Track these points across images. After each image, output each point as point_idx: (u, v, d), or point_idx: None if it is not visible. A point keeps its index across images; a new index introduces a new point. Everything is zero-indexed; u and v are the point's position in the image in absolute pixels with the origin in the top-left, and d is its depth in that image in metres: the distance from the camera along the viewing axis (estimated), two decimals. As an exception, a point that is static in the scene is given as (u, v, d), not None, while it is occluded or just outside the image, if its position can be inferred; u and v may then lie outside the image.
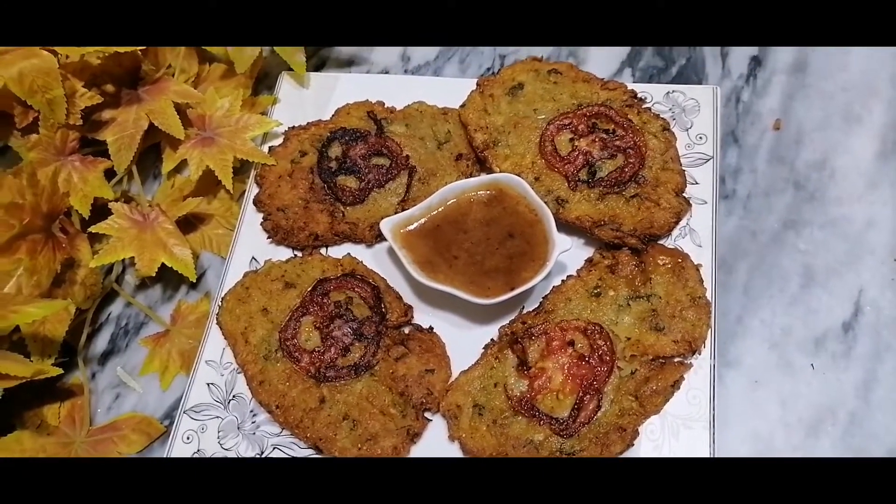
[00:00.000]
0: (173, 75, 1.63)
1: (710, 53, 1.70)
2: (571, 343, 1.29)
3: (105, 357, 1.51)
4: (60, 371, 1.36)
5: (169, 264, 1.43)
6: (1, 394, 1.25)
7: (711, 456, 1.20)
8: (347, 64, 1.80)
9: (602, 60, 1.70)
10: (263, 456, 1.29)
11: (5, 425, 1.39)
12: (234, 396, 1.35)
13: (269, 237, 1.50)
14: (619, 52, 1.72)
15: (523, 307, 1.38)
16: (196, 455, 1.29)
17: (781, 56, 1.67)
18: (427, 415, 1.31)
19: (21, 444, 1.36)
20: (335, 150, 1.55)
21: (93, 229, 1.45)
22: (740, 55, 1.68)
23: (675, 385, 1.26)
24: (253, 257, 1.49)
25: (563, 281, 1.38)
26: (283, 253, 1.49)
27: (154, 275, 1.43)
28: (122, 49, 1.48)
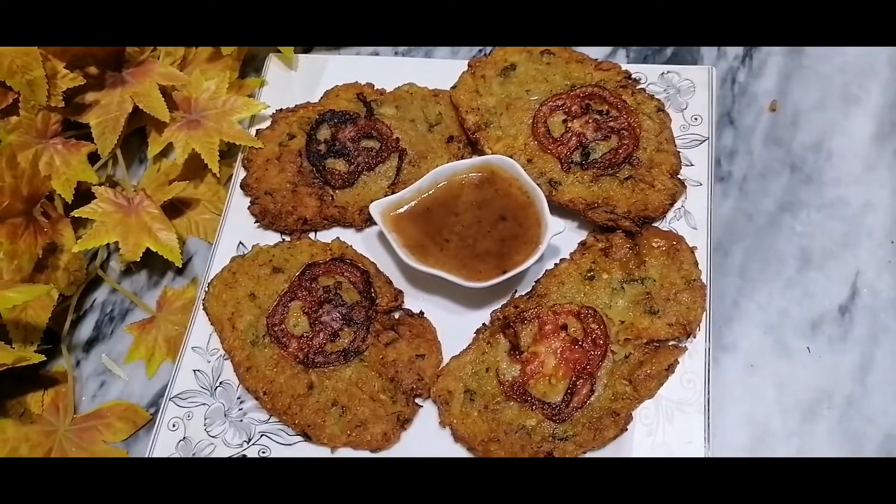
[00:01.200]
0: (158, 57, 1.60)
1: (705, 34, 1.67)
2: (564, 327, 1.27)
3: (90, 344, 1.48)
4: (43, 358, 1.34)
5: (154, 249, 1.40)
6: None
7: (706, 440, 1.19)
8: (336, 46, 1.76)
9: (596, 41, 1.67)
10: (251, 443, 1.27)
11: (-13, 414, 1.37)
12: (220, 383, 1.33)
13: (256, 222, 1.48)
14: (614, 33, 1.69)
15: (515, 291, 1.36)
16: (182, 442, 1.27)
17: (778, 37, 1.65)
18: (418, 401, 1.29)
19: (4, 433, 1.34)
20: (324, 133, 1.52)
21: (76, 213, 1.42)
22: (736, 36, 1.66)
23: (670, 369, 1.24)
24: (240, 242, 1.46)
25: (556, 264, 1.36)
26: (271, 237, 1.46)
27: (138, 260, 1.40)
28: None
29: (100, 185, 1.48)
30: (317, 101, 1.58)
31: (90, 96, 1.53)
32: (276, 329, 1.33)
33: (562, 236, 1.33)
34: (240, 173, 1.52)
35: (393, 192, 1.43)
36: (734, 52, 1.64)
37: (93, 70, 1.54)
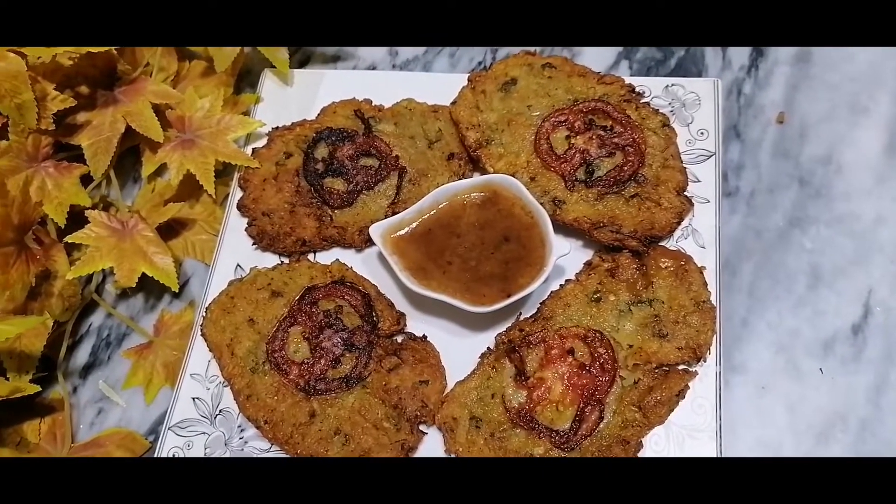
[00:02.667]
0: (151, 74, 1.56)
1: (709, 43, 1.64)
2: (571, 351, 1.24)
3: (86, 370, 1.45)
4: (38, 388, 1.31)
5: (150, 274, 1.37)
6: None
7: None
8: (333, 60, 1.73)
9: (598, 53, 1.63)
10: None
11: (-17, 444, 1.34)
12: (220, 411, 1.30)
13: (254, 243, 1.45)
14: (616, 44, 1.66)
15: (520, 314, 1.33)
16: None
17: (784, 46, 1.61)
18: (422, 428, 1.27)
19: (0, 464, 1.31)
20: (321, 151, 1.49)
21: (69, 239, 1.39)
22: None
23: (680, 394, 1.21)
24: (238, 264, 1.43)
25: (561, 286, 1.33)
26: (270, 260, 1.43)
27: (134, 286, 1.37)
28: (95, 49, 1.41)
29: (93, 207, 1.45)
30: (314, 118, 1.54)
31: (81, 117, 1.49)
32: (276, 355, 1.30)
33: (567, 257, 1.30)
34: (236, 193, 1.49)
35: (393, 212, 1.41)
36: (739, 62, 1.60)
37: (84, 90, 1.51)
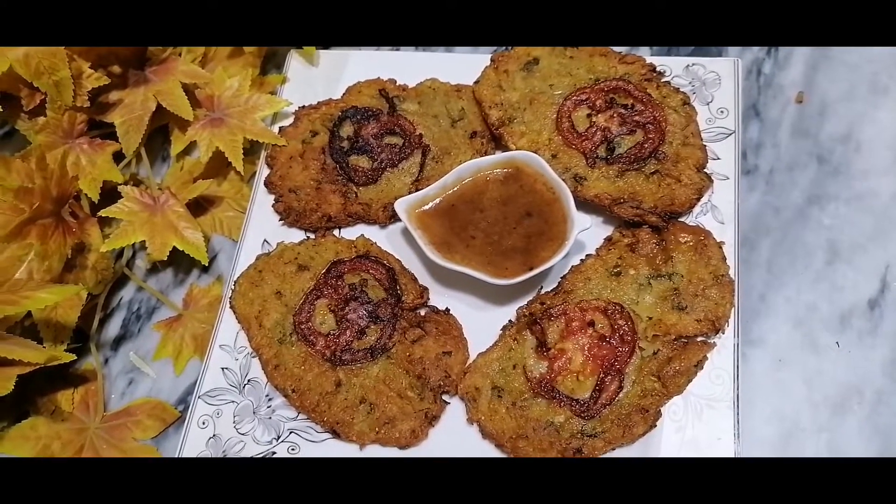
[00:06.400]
0: (180, 55, 1.60)
1: (729, 25, 1.65)
2: (591, 323, 1.27)
3: (118, 342, 1.50)
4: (73, 357, 1.34)
5: (181, 248, 1.41)
6: (14, 381, 1.23)
7: (736, 436, 1.19)
8: (357, 41, 1.75)
9: (618, 34, 1.65)
10: (280, 440, 1.28)
11: (20, 412, 1.38)
12: (249, 381, 1.34)
13: (280, 219, 1.48)
14: (636, 25, 1.67)
15: (541, 287, 1.36)
16: (212, 440, 1.28)
17: (803, 26, 1.62)
18: (445, 397, 1.30)
19: (36, 431, 1.35)
20: (347, 130, 1.52)
21: (103, 213, 1.43)
22: (761, 26, 1.64)
23: (699, 365, 1.23)
24: (265, 240, 1.46)
25: (582, 260, 1.36)
26: (296, 235, 1.47)
27: (165, 259, 1.41)
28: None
29: (125, 183, 1.49)
30: (339, 97, 1.57)
31: (114, 95, 1.53)
32: (302, 327, 1.33)
33: (587, 232, 1.32)
34: (263, 171, 1.52)
35: (416, 189, 1.43)
36: (759, 43, 1.62)
37: (116, 69, 1.55)
